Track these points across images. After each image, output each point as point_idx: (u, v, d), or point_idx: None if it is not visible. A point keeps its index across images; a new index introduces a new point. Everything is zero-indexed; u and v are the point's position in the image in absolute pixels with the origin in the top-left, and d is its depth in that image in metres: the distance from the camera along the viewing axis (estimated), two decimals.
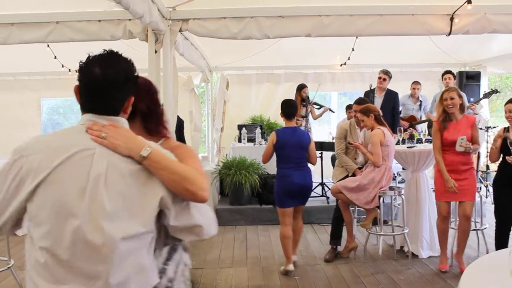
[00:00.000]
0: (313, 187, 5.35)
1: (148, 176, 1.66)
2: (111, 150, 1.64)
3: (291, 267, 5.13)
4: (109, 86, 1.67)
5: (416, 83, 8.36)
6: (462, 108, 4.84)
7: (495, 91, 7.52)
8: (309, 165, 5.20)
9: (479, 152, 7.70)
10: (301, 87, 8.30)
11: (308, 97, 8.19)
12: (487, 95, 7.55)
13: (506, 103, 4.67)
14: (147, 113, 1.97)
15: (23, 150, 1.64)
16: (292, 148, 5.05)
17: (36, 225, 1.60)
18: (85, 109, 1.73)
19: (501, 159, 4.72)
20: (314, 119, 8.66)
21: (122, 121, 1.75)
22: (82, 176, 1.59)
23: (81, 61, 1.71)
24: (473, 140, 4.75)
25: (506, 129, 4.68)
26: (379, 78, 7.31)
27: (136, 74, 1.77)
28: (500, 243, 4.71)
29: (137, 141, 1.67)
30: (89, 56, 1.70)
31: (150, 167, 1.65)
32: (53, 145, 1.64)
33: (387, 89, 7.33)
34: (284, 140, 5.05)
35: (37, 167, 1.59)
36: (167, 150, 1.80)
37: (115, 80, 1.67)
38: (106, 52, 1.72)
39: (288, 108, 5.15)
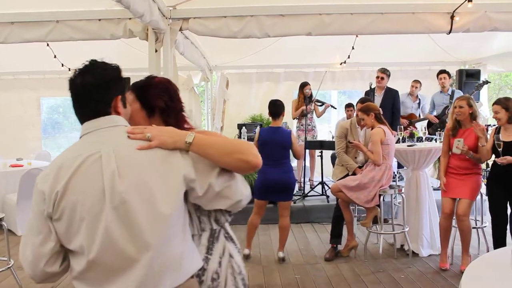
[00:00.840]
0: (292, 184, 5.44)
1: (163, 159, 1.69)
2: (117, 146, 1.67)
3: (246, 251, 5.57)
4: (89, 91, 1.73)
5: (416, 81, 8.36)
6: (472, 116, 4.84)
7: (486, 82, 7.58)
8: (298, 162, 5.30)
9: None
10: (303, 85, 8.28)
11: (311, 95, 8.18)
12: (479, 87, 7.58)
13: (494, 104, 4.66)
14: (166, 110, 2.02)
15: (39, 178, 1.72)
16: (272, 146, 5.28)
17: (67, 241, 1.66)
18: (79, 119, 1.79)
19: (493, 158, 4.72)
20: (318, 117, 8.64)
21: (117, 119, 1.79)
22: (97, 178, 1.62)
23: (69, 78, 1.79)
24: (478, 149, 4.77)
25: (498, 130, 4.68)
26: (377, 77, 7.31)
27: (119, 74, 1.82)
28: (498, 241, 4.73)
29: (179, 132, 1.75)
30: (75, 71, 1.78)
31: (198, 151, 1.71)
32: (61, 163, 1.68)
33: (387, 87, 7.32)
34: (266, 138, 5.32)
35: (51, 189, 1.65)
36: None
37: (94, 84, 1.73)
38: (87, 62, 1.78)
39: (273, 108, 5.36)
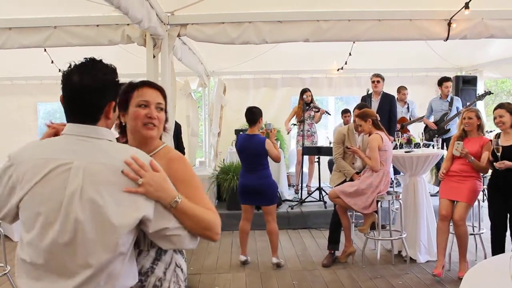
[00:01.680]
0: (269, 190, 5.42)
1: (130, 193, 1.69)
2: (90, 162, 1.67)
3: (242, 257, 5.65)
4: (86, 92, 1.71)
5: (404, 88, 8.46)
6: (480, 128, 4.97)
7: (488, 93, 7.62)
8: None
9: None
10: (303, 92, 8.29)
11: (311, 101, 8.19)
12: (481, 97, 7.62)
13: (496, 108, 4.71)
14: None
15: (14, 159, 1.76)
16: (246, 154, 5.45)
17: (25, 230, 1.71)
18: (67, 117, 1.78)
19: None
20: (316, 123, 8.66)
21: (104, 132, 1.77)
22: (59, 191, 1.64)
23: (63, 71, 1.76)
24: (481, 158, 4.81)
25: (498, 135, 4.71)
26: (373, 82, 7.36)
27: (116, 79, 1.81)
28: (496, 248, 4.74)
29: (166, 189, 1.76)
30: (70, 65, 1.75)
31: (176, 214, 1.78)
32: (38, 156, 1.71)
33: (383, 92, 7.35)
34: (241, 146, 5.48)
35: (22, 179, 1.70)
36: (164, 159, 1.97)
37: (92, 86, 1.71)
38: (86, 60, 1.77)
39: (249, 115, 5.43)
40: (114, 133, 1.93)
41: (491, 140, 4.72)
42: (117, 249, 1.66)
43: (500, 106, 4.68)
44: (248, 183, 5.40)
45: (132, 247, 1.77)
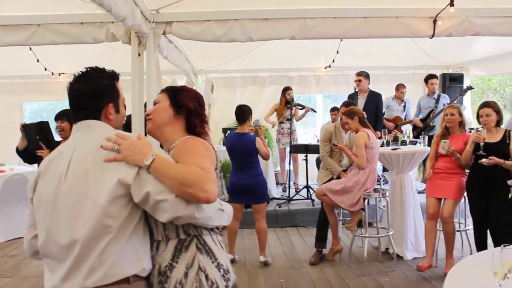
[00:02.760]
0: (260, 188, 5.44)
1: (106, 164, 1.81)
2: (77, 149, 1.88)
3: (229, 256, 5.33)
4: (83, 99, 1.96)
5: (402, 85, 8.43)
6: (461, 125, 5.01)
7: (470, 88, 7.70)
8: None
9: None
10: (285, 90, 8.31)
11: (292, 99, 8.18)
12: (462, 93, 7.68)
13: (482, 107, 4.69)
14: (193, 112, 2.22)
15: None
16: (236, 153, 5.45)
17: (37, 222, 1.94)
18: (73, 121, 2.00)
19: (473, 160, 4.76)
20: (297, 121, 8.65)
21: (94, 125, 1.96)
22: (54, 178, 1.86)
23: (69, 82, 2.01)
24: (463, 153, 4.81)
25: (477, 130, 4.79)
26: (355, 81, 7.38)
27: (113, 83, 2.01)
28: (479, 244, 4.78)
29: (143, 151, 1.82)
30: (74, 75, 1.99)
31: (154, 174, 1.79)
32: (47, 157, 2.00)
33: (370, 90, 7.36)
34: (231, 144, 5.47)
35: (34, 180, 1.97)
36: (179, 145, 2.10)
37: (87, 93, 1.94)
38: (87, 68, 2.00)
39: (239, 113, 5.42)
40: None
41: (476, 129, 4.74)
42: (101, 221, 1.75)
43: (486, 104, 4.68)
44: (239, 182, 5.37)
45: (131, 227, 1.82)
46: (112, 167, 1.79)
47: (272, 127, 8.77)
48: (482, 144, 4.54)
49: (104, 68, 2.02)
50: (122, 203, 1.78)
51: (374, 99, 7.30)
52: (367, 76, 7.35)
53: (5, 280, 5.09)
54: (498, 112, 4.63)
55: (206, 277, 1.91)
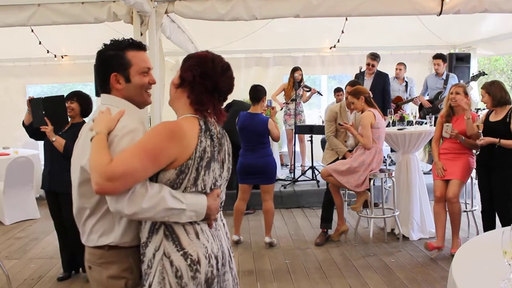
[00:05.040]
0: (269, 168, 5.39)
1: (86, 146, 1.88)
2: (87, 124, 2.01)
3: (234, 237, 5.54)
4: (95, 73, 2.13)
5: (400, 64, 8.28)
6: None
7: (482, 73, 7.52)
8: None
9: None
10: (294, 70, 8.19)
11: (301, 80, 8.08)
12: (475, 78, 7.53)
13: (481, 88, 4.75)
14: (192, 84, 1.96)
15: None
16: (248, 133, 5.36)
17: None
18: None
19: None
20: (304, 102, 8.58)
21: (105, 99, 2.05)
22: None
23: None
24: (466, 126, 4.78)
25: (489, 113, 4.74)
26: (367, 64, 7.21)
27: (117, 52, 1.98)
28: (486, 224, 4.77)
29: (98, 125, 1.87)
30: None
31: None
32: None
33: (377, 70, 7.25)
34: (243, 124, 5.37)
35: None
36: None
37: (95, 67, 2.05)
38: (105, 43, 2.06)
39: (253, 93, 5.36)
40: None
41: (478, 110, 4.72)
42: (78, 199, 1.97)
43: (482, 86, 4.75)
44: (249, 162, 5.35)
45: (105, 207, 1.89)
46: (87, 150, 1.85)
47: (281, 109, 8.72)
48: (479, 128, 4.53)
49: (117, 39, 2.02)
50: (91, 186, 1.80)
51: (381, 80, 7.19)
52: (379, 60, 7.22)
53: (12, 262, 5.11)
54: (489, 93, 4.59)
55: (171, 263, 1.87)
